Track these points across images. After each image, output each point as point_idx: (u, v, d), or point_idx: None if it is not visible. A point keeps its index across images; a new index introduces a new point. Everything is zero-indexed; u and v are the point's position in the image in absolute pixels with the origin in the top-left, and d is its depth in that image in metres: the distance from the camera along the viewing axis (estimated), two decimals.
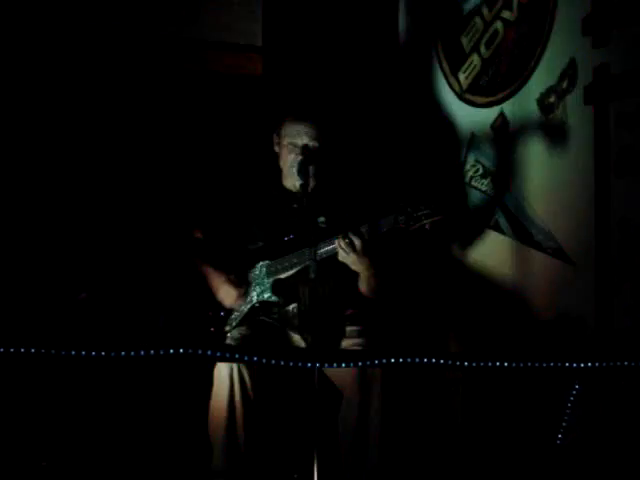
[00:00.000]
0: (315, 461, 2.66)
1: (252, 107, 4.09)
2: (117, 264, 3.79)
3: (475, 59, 3.97)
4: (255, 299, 3.33)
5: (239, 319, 3.33)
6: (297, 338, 3.28)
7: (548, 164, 3.60)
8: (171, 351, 2.55)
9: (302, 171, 3.21)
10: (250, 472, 3.09)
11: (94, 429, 3.31)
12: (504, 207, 3.77)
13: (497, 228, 3.80)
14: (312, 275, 2.89)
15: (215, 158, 4.02)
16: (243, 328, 3.29)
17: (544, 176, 3.62)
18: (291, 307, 3.29)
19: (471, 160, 3.95)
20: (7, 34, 3.78)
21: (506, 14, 3.84)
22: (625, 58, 3.33)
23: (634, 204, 3.29)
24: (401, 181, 4.15)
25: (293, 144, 3.35)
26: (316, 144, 3.34)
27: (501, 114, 3.82)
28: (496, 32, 3.88)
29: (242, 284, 3.33)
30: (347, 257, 3.13)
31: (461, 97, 4.04)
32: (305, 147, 3.33)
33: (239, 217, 3.45)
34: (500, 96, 3.83)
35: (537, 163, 3.65)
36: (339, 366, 2.72)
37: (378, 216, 3.14)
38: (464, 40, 4.03)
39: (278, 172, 3.47)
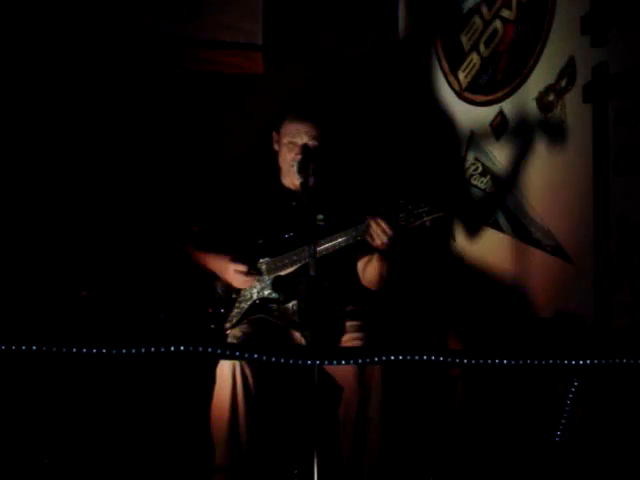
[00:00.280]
0: (315, 458, 2.67)
1: (252, 106, 4.10)
2: (117, 262, 3.80)
3: (474, 58, 3.98)
4: (255, 296, 3.34)
5: (239, 316, 3.34)
6: (297, 335, 3.29)
7: (547, 162, 3.61)
8: (172, 349, 2.55)
9: (301, 169, 3.22)
10: (252, 469, 3.10)
11: (96, 426, 3.31)
12: (503, 205, 3.78)
13: (496, 226, 3.81)
14: (312, 272, 2.90)
15: (215, 156, 4.02)
16: (244, 326, 3.29)
17: (543, 174, 3.63)
18: (291, 304, 3.30)
19: (470, 158, 3.96)
20: (7, 34, 3.79)
21: (505, 13, 3.85)
22: (623, 57, 3.34)
23: (633, 202, 3.29)
24: (401, 179, 4.16)
25: (293, 143, 3.37)
26: (316, 143, 3.35)
27: (500, 112, 3.83)
28: (495, 31, 3.89)
29: (248, 262, 3.32)
30: (379, 237, 3.09)
31: (460, 95, 4.05)
32: (305, 146, 3.34)
33: (239, 215, 3.46)
34: (499, 95, 3.84)
35: (536, 161, 3.66)
36: (339, 363, 2.73)
37: (381, 211, 3.14)
38: (463, 39, 4.04)
39: (277, 170, 3.48)
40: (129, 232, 3.84)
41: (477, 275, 3.88)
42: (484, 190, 3.89)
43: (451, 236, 4.00)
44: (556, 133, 3.57)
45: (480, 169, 3.91)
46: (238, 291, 3.35)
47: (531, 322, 3.59)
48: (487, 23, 3.93)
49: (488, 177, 3.87)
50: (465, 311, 3.88)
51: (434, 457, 3.53)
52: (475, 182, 3.92)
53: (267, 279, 3.33)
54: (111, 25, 3.94)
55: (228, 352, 2.69)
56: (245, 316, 3.32)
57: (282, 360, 2.63)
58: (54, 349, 2.49)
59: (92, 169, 3.86)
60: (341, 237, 3.19)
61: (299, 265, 3.26)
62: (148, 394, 3.42)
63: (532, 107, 3.67)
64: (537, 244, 3.63)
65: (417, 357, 2.71)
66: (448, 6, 4.13)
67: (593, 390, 3.22)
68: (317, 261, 2.91)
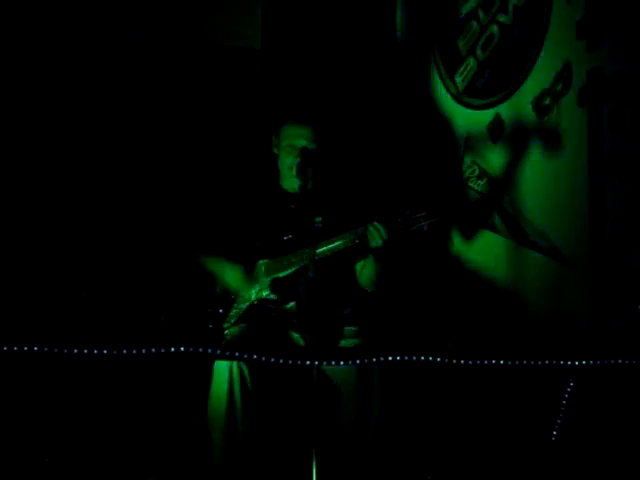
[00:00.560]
0: (314, 458, 2.68)
1: (251, 108, 4.12)
2: (118, 263, 3.81)
3: (471, 62, 4.00)
4: (254, 297, 3.35)
5: (237, 316, 3.35)
6: (296, 336, 3.31)
7: (543, 165, 3.62)
8: (172, 349, 2.57)
9: (300, 173, 3.25)
10: (249, 468, 3.11)
11: (96, 426, 3.32)
12: (500, 207, 3.79)
13: (493, 228, 3.83)
14: (310, 274, 2.92)
15: (215, 160, 4.04)
16: (242, 326, 3.31)
17: (539, 177, 3.64)
18: (289, 306, 3.32)
19: (467, 161, 3.97)
20: (7, 34, 3.81)
21: (502, 18, 3.87)
22: (619, 61, 3.36)
23: (628, 205, 3.31)
24: (398, 182, 4.18)
25: (292, 146, 3.38)
26: (314, 146, 3.36)
27: (497, 116, 3.85)
28: (492, 35, 3.91)
29: (246, 266, 3.35)
30: (374, 240, 3.13)
31: (457, 99, 4.06)
32: (303, 149, 3.35)
33: (238, 217, 3.47)
34: (496, 98, 3.86)
35: (532, 164, 3.68)
36: (337, 364, 2.74)
37: (376, 217, 3.17)
38: (460, 43, 4.06)
39: (276, 173, 3.50)
40: (129, 233, 3.86)
41: (473, 277, 3.89)
42: (481, 192, 3.90)
43: (448, 238, 4.02)
44: (552, 136, 3.58)
45: (477, 172, 3.92)
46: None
47: (527, 323, 3.61)
48: (484, 27, 3.95)
49: (485, 180, 3.89)
50: (462, 312, 3.90)
51: (432, 457, 3.54)
52: (472, 185, 3.94)
53: (266, 280, 3.35)
54: (110, 29, 3.96)
55: (227, 353, 2.70)
56: (243, 317, 3.33)
57: (281, 361, 2.64)
58: (55, 350, 2.50)
59: (92, 169, 3.87)
60: (339, 241, 3.21)
61: (298, 267, 3.28)
62: (147, 394, 3.44)
63: (528, 111, 3.69)
64: (533, 246, 3.64)
65: (415, 358, 2.73)
66: (445, 11, 4.14)
67: (589, 390, 3.24)
68: (316, 263, 2.93)
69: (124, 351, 2.55)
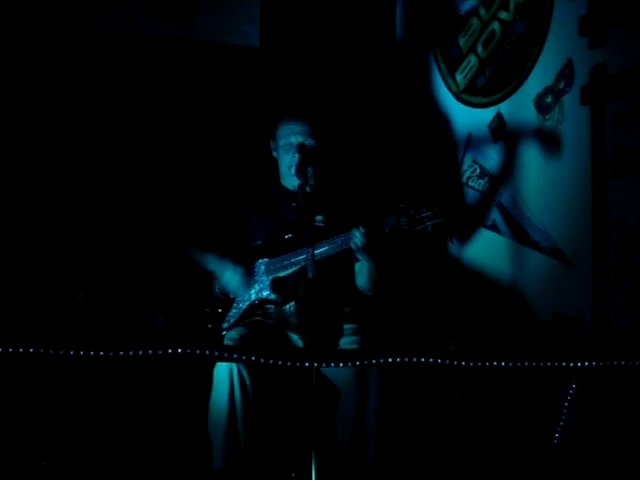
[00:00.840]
0: (313, 460, 2.67)
1: (250, 106, 4.10)
2: (115, 264, 3.80)
3: (472, 59, 3.98)
4: (254, 296, 3.34)
5: (237, 316, 3.34)
6: (295, 338, 3.29)
7: (545, 164, 3.61)
8: (170, 351, 2.56)
9: (300, 171, 3.23)
10: (249, 471, 3.10)
11: (94, 429, 3.32)
12: (501, 207, 3.78)
13: (494, 228, 3.81)
14: (310, 274, 2.90)
15: (214, 158, 4.03)
16: (241, 328, 3.29)
17: (541, 176, 3.63)
18: (288, 306, 3.31)
19: (468, 160, 3.96)
20: (8, 34, 3.80)
21: (503, 15, 3.85)
22: (622, 58, 3.34)
23: (630, 204, 3.30)
24: (399, 181, 4.16)
25: (289, 144, 3.36)
26: (312, 142, 3.34)
27: (498, 114, 3.83)
28: (493, 32, 3.89)
29: (245, 266, 3.33)
30: (361, 242, 3.12)
31: (458, 97, 4.05)
32: (301, 146, 3.33)
33: (238, 215, 3.46)
34: (497, 96, 3.84)
35: (534, 163, 3.66)
36: (336, 366, 2.73)
37: (380, 217, 3.15)
38: (461, 40, 4.04)
39: (277, 171, 3.48)
40: (127, 233, 3.84)
41: (475, 277, 3.88)
42: (482, 192, 3.89)
43: (449, 238, 4.00)
44: (554, 135, 3.57)
45: (478, 171, 3.91)
46: None
47: (529, 324, 3.59)
48: (485, 25, 3.93)
49: (486, 179, 3.88)
50: (463, 313, 3.88)
51: (432, 458, 3.53)
52: (473, 184, 3.92)
53: (266, 280, 3.33)
54: (109, 26, 3.95)
55: (226, 354, 2.69)
56: (243, 317, 3.32)
57: (280, 362, 2.63)
58: (52, 351, 2.50)
59: (90, 170, 3.86)
60: (325, 246, 3.18)
61: (298, 267, 3.26)
62: (147, 396, 3.43)
63: (530, 109, 3.67)
64: (535, 246, 3.62)
65: (415, 359, 2.72)
66: (446, 8, 4.13)
67: (591, 392, 3.23)
68: (315, 263, 2.91)
69: (121, 353, 2.54)
